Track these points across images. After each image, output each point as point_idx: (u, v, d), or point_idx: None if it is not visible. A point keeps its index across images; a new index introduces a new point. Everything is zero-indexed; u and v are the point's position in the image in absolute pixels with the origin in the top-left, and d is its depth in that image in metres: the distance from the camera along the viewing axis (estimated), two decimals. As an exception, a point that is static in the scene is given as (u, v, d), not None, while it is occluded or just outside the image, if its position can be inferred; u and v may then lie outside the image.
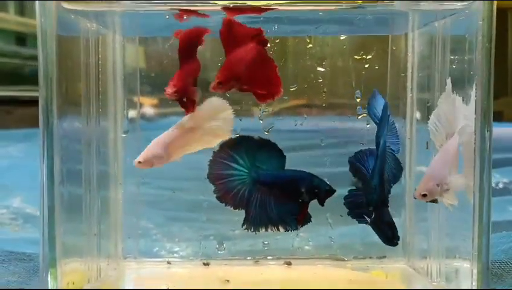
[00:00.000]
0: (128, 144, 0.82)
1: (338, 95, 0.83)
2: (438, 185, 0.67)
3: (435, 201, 0.68)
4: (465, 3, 0.64)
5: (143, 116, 0.84)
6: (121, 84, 0.81)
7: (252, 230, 0.73)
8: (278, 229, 0.73)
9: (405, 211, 0.82)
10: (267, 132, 0.80)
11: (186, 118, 0.73)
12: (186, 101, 0.72)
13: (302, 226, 0.73)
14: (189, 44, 0.72)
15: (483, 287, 0.62)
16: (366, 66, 0.81)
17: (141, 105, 0.83)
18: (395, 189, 0.75)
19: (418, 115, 0.80)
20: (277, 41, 0.80)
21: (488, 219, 0.62)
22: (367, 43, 0.82)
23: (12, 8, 3.37)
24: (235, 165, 0.73)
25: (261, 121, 0.80)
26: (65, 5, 0.65)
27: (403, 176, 0.78)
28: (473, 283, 0.63)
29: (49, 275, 0.62)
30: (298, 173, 0.73)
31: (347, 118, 0.82)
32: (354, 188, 0.74)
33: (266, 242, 0.83)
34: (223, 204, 0.73)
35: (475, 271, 0.62)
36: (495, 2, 0.62)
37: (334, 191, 0.73)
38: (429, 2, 0.67)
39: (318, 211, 0.74)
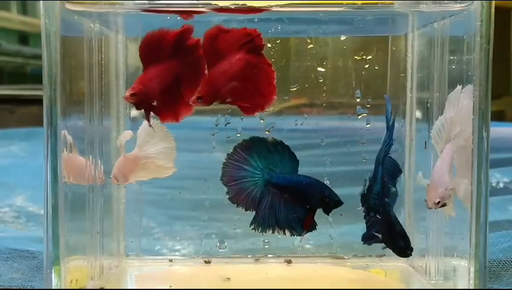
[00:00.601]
0: (131, 142, 0.82)
1: (338, 94, 0.83)
2: (445, 189, 0.67)
3: (444, 205, 0.69)
4: (463, 4, 0.65)
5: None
6: (124, 83, 0.82)
7: (260, 231, 0.73)
8: (284, 233, 0.73)
9: (404, 210, 0.82)
10: (268, 131, 0.81)
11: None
12: (157, 105, 0.71)
13: (307, 232, 0.74)
14: (153, 47, 0.71)
15: (480, 286, 0.63)
16: (366, 66, 0.82)
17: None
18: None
19: (417, 114, 0.81)
20: (278, 41, 0.80)
21: (486, 218, 0.63)
22: (367, 43, 0.83)
23: (14, 7, 3.38)
24: (248, 167, 0.73)
25: (261, 121, 0.81)
26: (69, 6, 0.65)
27: (402, 175, 0.79)
28: (470, 282, 0.64)
29: (53, 273, 0.63)
30: (310, 179, 0.73)
31: (347, 118, 0.83)
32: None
33: (267, 241, 0.84)
34: (235, 205, 0.74)
35: (472, 269, 0.63)
36: (493, 3, 0.62)
37: (342, 203, 0.73)
38: (428, 3, 0.68)
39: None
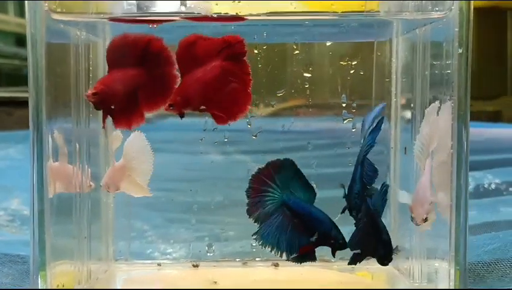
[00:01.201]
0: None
1: (324, 99, 0.84)
2: (430, 204, 0.68)
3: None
4: (442, 12, 0.66)
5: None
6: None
7: (259, 244, 0.74)
8: (281, 256, 0.73)
9: (390, 213, 0.83)
10: (255, 136, 0.81)
11: None
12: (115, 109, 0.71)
13: (301, 263, 0.74)
14: (120, 50, 0.71)
15: (460, 287, 0.64)
16: (352, 71, 0.83)
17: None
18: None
19: (402, 118, 0.82)
20: (264, 47, 0.81)
21: (465, 220, 0.64)
22: (353, 49, 0.84)
23: (12, 10, 3.39)
24: (272, 184, 0.73)
25: (249, 126, 0.81)
26: (55, 16, 0.66)
27: (387, 178, 0.80)
28: (450, 283, 0.64)
29: (39, 278, 0.64)
30: (323, 215, 0.73)
31: (333, 122, 0.84)
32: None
33: (254, 244, 0.84)
34: (248, 216, 0.74)
35: (452, 271, 0.64)
36: (471, 11, 0.63)
37: (347, 247, 0.73)
38: (410, 12, 0.69)
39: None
